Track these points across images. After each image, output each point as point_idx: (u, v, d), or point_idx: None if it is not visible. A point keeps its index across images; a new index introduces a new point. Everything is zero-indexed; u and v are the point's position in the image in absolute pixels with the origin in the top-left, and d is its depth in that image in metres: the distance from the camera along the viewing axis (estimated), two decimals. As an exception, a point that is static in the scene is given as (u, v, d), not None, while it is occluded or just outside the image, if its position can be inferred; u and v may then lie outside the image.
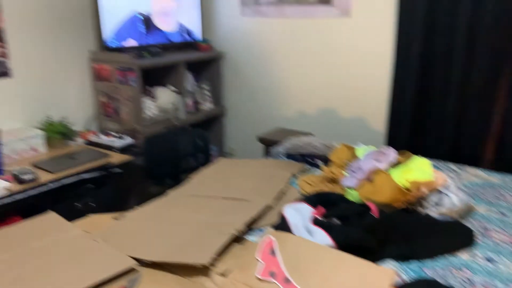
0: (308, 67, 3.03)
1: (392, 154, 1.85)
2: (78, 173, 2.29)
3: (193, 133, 2.97)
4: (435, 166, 2.06)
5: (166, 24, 3.10)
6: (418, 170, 1.76)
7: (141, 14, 2.91)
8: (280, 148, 2.29)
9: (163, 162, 2.71)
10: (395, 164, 1.84)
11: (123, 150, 2.63)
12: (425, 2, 2.44)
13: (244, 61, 3.34)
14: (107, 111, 2.95)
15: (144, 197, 2.81)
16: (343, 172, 1.92)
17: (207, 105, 3.38)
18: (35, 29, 2.63)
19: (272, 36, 3.14)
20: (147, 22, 2.97)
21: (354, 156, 2.04)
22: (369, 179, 1.77)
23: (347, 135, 2.92)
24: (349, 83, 2.88)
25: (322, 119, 3.05)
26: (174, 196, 1.90)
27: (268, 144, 2.63)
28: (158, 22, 3.04)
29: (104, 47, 2.79)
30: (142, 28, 2.93)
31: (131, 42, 2.90)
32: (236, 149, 3.60)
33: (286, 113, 3.22)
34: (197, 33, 3.35)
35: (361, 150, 2.03)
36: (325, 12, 2.86)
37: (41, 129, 2.59)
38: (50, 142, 2.60)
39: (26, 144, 2.47)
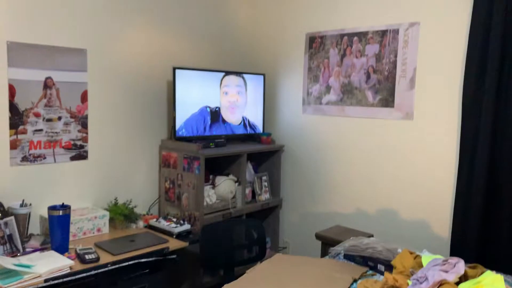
0: (369, 165, 3.04)
1: (461, 266, 1.74)
2: (136, 257, 2.33)
3: (249, 224, 2.97)
4: (508, 282, 1.91)
5: (232, 117, 3.28)
6: (490, 287, 1.64)
7: (209, 107, 3.12)
8: (340, 248, 2.23)
9: (217, 252, 2.70)
10: (464, 277, 1.73)
11: (181, 236, 2.66)
12: (489, 105, 2.43)
13: (303, 155, 3.40)
14: (169, 196, 3.05)
15: (197, 287, 2.80)
16: (408, 280, 1.82)
17: (264, 196, 3.41)
18: (114, 117, 2.87)
19: (332, 133, 3.22)
20: (215, 114, 3.16)
21: (418, 264, 1.94)
22: (436, 291, 1.66)
23: (408, 238, 2.81)
24: (412, 184, 2.83)
25: (382, 220, 2.97)
26: (230, 291, 1.86)
27: (326, 242, 2.57)
28: (225, 115, 3.23)
29: (174, 136, 2.97)
30: (208, 120, 3.12)
31: (199, 132, 3.08)
32: (290, 243, 3.53)
33: (345, 210, 3.17)
34: (260, 126, 3.51)
35: (427, 258, 1.93)
36: (387, 114, 2.91)
37: (107, 210, 2.71)
38: (113, 223, 2.70)
39: (92, 224, 2.58)
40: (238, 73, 3.32)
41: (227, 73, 3.24)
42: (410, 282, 1.80)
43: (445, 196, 2.69)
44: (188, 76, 3.00)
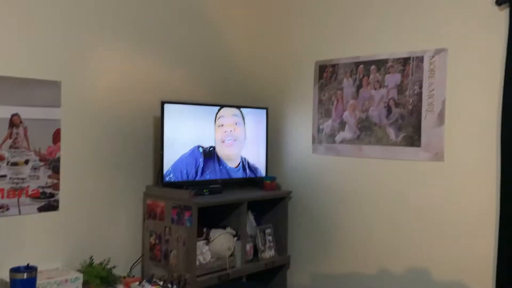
0: (393, 216, 3.00)
1: None
2: (115, 330, 2.26)
3: None
4: None
5: (228, 158, 3.27)
6: None
7: (202, 147, 3.11)
8: (361, 318, 2.15)
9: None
10: None
11: (169, 303, 2.59)
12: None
13: (314, 203, 3.37)
14: (155, 255, 3.00)
15: None
16: None
17: (268, 253, 3.35)
18: (91, 160, 2.86)
19: (348, 176, 3.20)
20: (209, 154, 3.16)
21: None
22: None
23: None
24: (445, 238, 2.79)
25: (411, 282, 2.91)
26: None
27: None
28: (220, 152, 3.23)
29: (162, 181, 2.96)
30: (201, 162, 3.11)
31: (190, 177, 3.06)
32: (301, 311, 3.44)
33: (366, 271, 3.11)
34: (262, 169, 3.49)
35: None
36: (412, 154, 2.90)
37: (80, 271, 2.65)
38: (88, 287, 2.62)
39: (62, 289, 2.51)
40: (236, 107, 3.35)
41: (223, 106, 3.27)
42: None
43: (485, 251, 2.64)
44: (178, 112, 3.01)
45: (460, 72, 2.74)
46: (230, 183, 3.34)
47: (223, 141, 3.24)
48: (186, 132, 3.06)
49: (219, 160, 3.22)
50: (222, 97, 3.55)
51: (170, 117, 2.96)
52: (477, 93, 2.69)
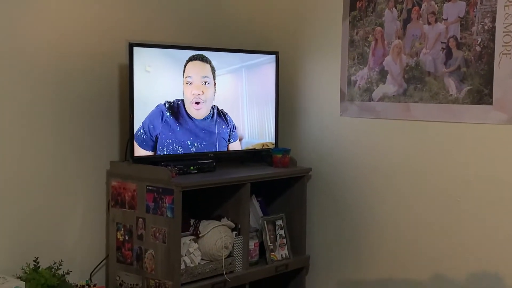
0: (452, 200, 2.96)
1: None
2: None
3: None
4: None
5: (197, 109, 3.25)
6: None
7: (168, 102, 3.10)
8: None
9: None
10: None
11: (144, 321, 2.59)
12: None
13: (342, 183, 3.36)
14: (124, 255, 3.00)
15: None
16: None
17: (280, 253, 3.35)
18: (32, 129, 2.83)
19: (389, 146, 3.17)
20: (177, 110, 3.14)
21: None
22: None
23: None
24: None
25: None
26: None
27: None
28: (189, 108, 3.20)
29: (131, 156, 2.95)
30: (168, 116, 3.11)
31: (173, 150, 3.06)
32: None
33: (415, 276, 3.10)
34: (270, 138, 3.44)
35: None
36: (481, 115, 2.84)
37: (21, 279, 2.64)
38: (30, 300, 2.63)
39: (-3, 303, 2.49)
40: (228, 51, 3.32)
41: (213, 49, 3.23)
42: None
43: None
44: (151, 57, 3.00)
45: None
46: (226, 158, 3.35)
47: (192, 103, 3.23)
48: (163, 85, 3.05)
49: (188, 115, 3.21)
50: (215, 39, 3.51)
51: (141, 65, 2.94)
52: None
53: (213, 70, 3.25)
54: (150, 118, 3.02)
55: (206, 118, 3.23)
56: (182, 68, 3.12)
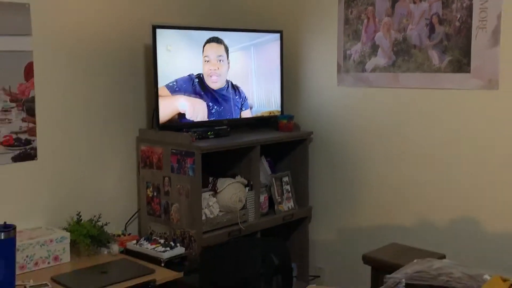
0: (435, 156, 2.98)
1: None
2: (110, 295, 2.31)
3: (266, 245, 2.94)
4: None
5: (214, 82, 3.24)
6: None
7: (197, 76, 3.11)
8: (400, 275, 2.18)
9: (224, 284, 2.67)
10: None
11: (172, 263, 2.64)
12: None
13: (339, 145, 3.36)
14: (153, 209, 3.03)
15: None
16: (503, 320, 1.76)
17: (286, 205, 3.37)
18: (72, 100, 2.85)
19: (381, 112, 3.17)
20: (201, 83, 3.14)
21: (517, 296, 1.88)
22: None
23: (495, 260, 2.74)
24: (498, 182, 2.77)
25: (457, 234, 2.92)
26: None
27: (379, 267, 2.53)
28: (207, 81, 3.20)
29: (157, 124, 2.95)
30: (199, 90, 3.13)
31: (193, 118, 3.07)
32: (326, 270, 3.50)
33: (402, 222, 3.12)
34: (277, 106, 3.45)
35: (528, 287, 1.87)
36: (460, 82, 2.84)
37: (67, 230, 2.69)
38: (77, 248, 2.68)
39: (47, 251, 2.56)
40: (238, 31, 3.29)
41: (225, 30, 3.22)
42: (506, 322, 1.75)
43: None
44: (172, 38, 2.98)
45: (520, -22, 2.64)
46: (238, 124, 3.34)
47: (209, 76, 3.22)
48: (183, 62, 3.03)
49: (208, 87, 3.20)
50: (225, 20, 3.47)
51: (164, 45, 2.92)
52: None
53: (226, 49, 3.23)
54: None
55: (222, 89, 3.23)
56: (200, 47, 3.10)
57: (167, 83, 2.97)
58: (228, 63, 3.28)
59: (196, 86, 3.12)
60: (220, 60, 3.24)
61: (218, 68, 3.22)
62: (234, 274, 2.69)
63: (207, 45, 3.17)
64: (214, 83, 3.22)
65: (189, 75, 3.08)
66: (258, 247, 2.89)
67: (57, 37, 2.75)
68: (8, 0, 2.56)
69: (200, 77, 3.14)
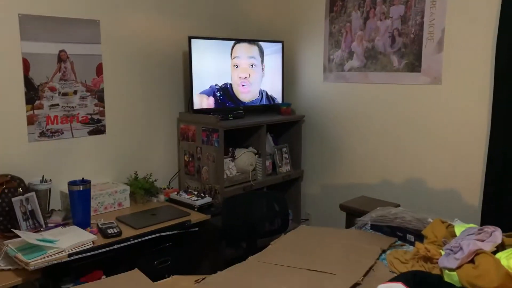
0: (394, 134, 2.95)
1: (498, 234, 1.68)
2: (158, 230, 2.32)
3: (270, 196, 2.95)
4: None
5: (246, 94, 3.18)
6: (530, 255, 1.57)
7: (217, 85, 3.02)
8: (366, 218, 2.18)
9: (239, 224, 2.69)
10: (502, 247, 1.67)
11: (202, 209, 2.65)
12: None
13: (324, 125, 3.34)
14: (189, 170, 3.04)
15: (219, 259, 2.80)
16: (440, 250, 1.76)
17: (285, 168, 3.37)
18: (131, 90, 2.84)
19: (355, 101, 3.13)
20: (226, 92, 3.08)
21: (451, 234, 1.87)
22: (471, 261, 1.61)
23: (436, 208, 2.74)
24: (440, 152, 2.75)
25: (409, 189, 2.91)
26: (256, 263, 1.84)
27: (352, 213, 2.53)
28: (238, 92, 3.14)
29: (192, 109, 2.93)
30: (222, 97, 3.05)
31: (215, 105, 3.03)
32: (312, 215, 3.50)
33: (369, 181, 3.12)
34: (279, 97, 3.43)
35: (460, 227, 1.86)
36: (413, 79, 2.80)
37: (127, 184, 2.71)
38: (134, 197, 2.70)
39: (113, 199, 2.58)
40: (253, 41, 3.22)
41: (238, 41, 3.12)
42: (443, 252, 1.75)
43: (475, 163, 2.61)
44: (203, 46, 2.93)
45: (459, 1, 2.58)
46: (251, 110, 3.31)
47: (239, 85, 3.12)
48: (210, 64, 2.98)
49: (235, 98, 3.13)
50: (240, 32, 3.41)
51: (197, 51, 2.89)
52: (475, 22, 2.53)
53: (261, 52, 2.98)
54: (204, 95, 2.95)
55: (254, 101, 3.04)
56: (229, 52, 2.94)
57: (198, 90, 2.89)
58: (263, 68, 3.00)
59: (221, 97, 2.98)
60: (252, 65, 2.97)
61: (249, 75, 2.98)
62: (247, 217, 2.70)
63: (237, 45, 3.00)
64: (245, 93, 2.99)
65: (210, 87, 2.94)
66: (264, 198, 2.89)
67: (119, 44, 2.74)
68: (85, 17, 2.56)
69: (226, 88, 2.98)
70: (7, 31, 2.28)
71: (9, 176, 2.24)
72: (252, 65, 3.18)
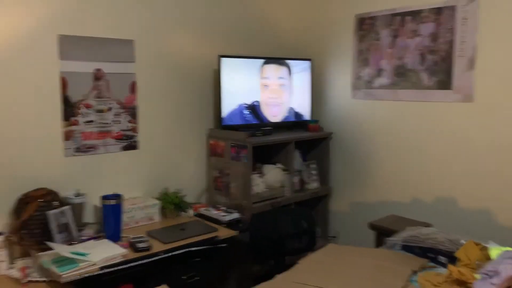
0: (424, 151, 2.86)
1: (537, 259, 1.58)
2: (186, 245, 2.31)
3: (298, 213, 2.90)
4: None
5: (275, 113, 3.15)
6: None
7: (247, 104, 3.01)
8: (397, 238, 2.10)
9: (267, 241, 2.64)
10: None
11: (230, 224, 2.62)
12: None
13: (353, 142, 3.27)
14: (218, 185, 3.01)
15: (246, 275, 2.76)
16: (475, 274, 1.67)
17: (313, 184, 3.31)
18: (162, 107, 2.86)
19: (384, 118, 3.05)
20: (254, 110, 3.06)
21: (485, 256, 1.78)
22: (509, 287, 1.51)
23: (469, 229, 2.61)
24: (472, 171, 2.64)
25: (440, 209, 2.79)
26: (283, 282, 1.79)
27: (381, 232, 2.44)
28: (266, 111, 3.11)
29: (221, 125, 2.93)
30: (250, 114, 3.03)
31: (244, 121, 3.02)
32: (340, 233, 3.42)
33: (399, 199, 3.01)
34: (307, 113, 3.39)
35: (495, 250, 1.77)
36: (444, 97, 2.72)
37: (157, 199, 2.71)
38: (164, 212, 2.70)
39: (144, 213, 2.59)
40: (282, 61, 3.20)
41: (268, 61, 3.10)
42: (477, 276, 1.65)
43: (510, 183, 2.48)
44: (233, 64, 2.93)
45: (491, 19, 2.50)
46: (279, 126, 3.27)
47: (268, 105, 3.09)
48: (239, 82, 2.98)
49: (263, 116, 3.11)
50: (270, 51, 3.39)
51: (227, 69, 2.90)
52: (506, 39, 2.44)
53: (290, 71, 2.93)
54: (233, 113, 2.92)
55: (282, 121, 3.03)
56: (258, 70, 2.92)
57: (227, 107, 2.89)
58: (291, 87, 2.95)
59: (247, 116, 2.95)
60: (281, 85, 2.96)
61: (278, 96, 2.92)
62: (274, 233, 2.66)
63: (266, 65, 2.98)
64: (274, 116, 2.96)
65: (239, 105, 2.92)
66: (292, 215, 2.84)
67: (152, 63, 2.77)
68: (121, 37, 2.61)
69: (255, 106, 2.95)
70: (47, 51, 2.35)
71: (46, 189, 2.28)
72: (281, 85, 3.16)
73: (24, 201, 2.21)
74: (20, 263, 2.05)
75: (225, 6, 3.13)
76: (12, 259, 2.09)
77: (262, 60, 3.08)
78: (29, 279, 1.91)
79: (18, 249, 2.15)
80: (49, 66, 2.36)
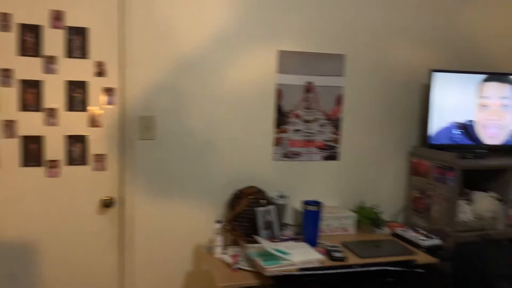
0: None
1: None
2: (382, 264, 2.21)
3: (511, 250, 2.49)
4: None
5: (492, 136, 2.80)
6: None
7: (459, 123, 2.74)
8: None
9: (473, 277, 2.34)
10: None
11: (430, 250, 2.42)
12: None
13: None
14: (417, 207, 2.83)
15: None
16: None
17: (534, 221, 2.80)
18: (366, 121, 2.84)
19: None
20: (467, 130, 2.77)
21: None
22: None
23: None
24: None
25: None
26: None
27: None
28: (482, 133, 2.79)
29: (426, 144, 2.75)
30: (460, 135, 2.75)
31: (453, 141, 2.75)
32: None
33: None
34: (532, 137, 2.90)
35: None
36: None
37: (353, 211, 2.70)
38: (358, 225, 2.67)
39: (339, 223, 2.60)
40: (504, 78, 2.81)
41: (487, 77, 2.76)
42: None
43: None
44: (446, 79, 2.72)
45: None
46: (495, 149, 2.88)
47: (485, 127, 2.77)
48: (452, 99, 2.74)
49: (476, 138, 2.78)
50: (488, 66, 3.04)
51: (438, 85, 2.70)
52: None
53: None
54: (441, 132, 2.73)
55: (501, 143, 2.73)
56: (474, 86, 2.69)
57: (435, 125, 2.70)
58: None
59: (457, 136, 2.73)
60: (503, 105, 2.64)
61: (499, 118, 2.63)
62: (482, 270, 2.34)
63: (486, 84, 2.71)
64: (491, 138, 2.69)
65: (449, 123, 2.72)
66: (504, 251, 2.46)
67: (360, 77, 2.77)
68: (333, 52, 2.70)
69: (468, 126, 2.70)
70: (268, 65, 2.58)
71: (256, 188, 2.51)
72: (503, 105, 2.79)
73: (238, 196, 2.48)
74: (231, 250, 2.29)
75: (438, 16, 2.93)
76: (225, 246, 2.35)
77: (480, 76, 2.77)
78: (239, 266, 2.11)
79: (229, 238, 2.41)
80: (268, 78, 2.59)
